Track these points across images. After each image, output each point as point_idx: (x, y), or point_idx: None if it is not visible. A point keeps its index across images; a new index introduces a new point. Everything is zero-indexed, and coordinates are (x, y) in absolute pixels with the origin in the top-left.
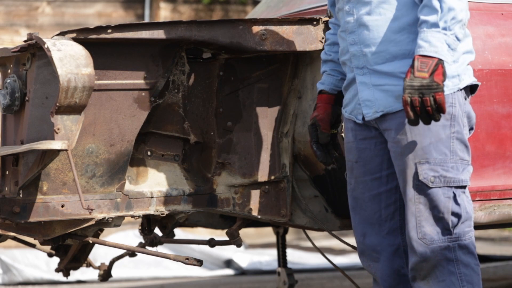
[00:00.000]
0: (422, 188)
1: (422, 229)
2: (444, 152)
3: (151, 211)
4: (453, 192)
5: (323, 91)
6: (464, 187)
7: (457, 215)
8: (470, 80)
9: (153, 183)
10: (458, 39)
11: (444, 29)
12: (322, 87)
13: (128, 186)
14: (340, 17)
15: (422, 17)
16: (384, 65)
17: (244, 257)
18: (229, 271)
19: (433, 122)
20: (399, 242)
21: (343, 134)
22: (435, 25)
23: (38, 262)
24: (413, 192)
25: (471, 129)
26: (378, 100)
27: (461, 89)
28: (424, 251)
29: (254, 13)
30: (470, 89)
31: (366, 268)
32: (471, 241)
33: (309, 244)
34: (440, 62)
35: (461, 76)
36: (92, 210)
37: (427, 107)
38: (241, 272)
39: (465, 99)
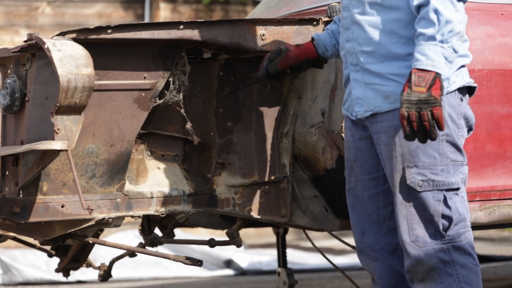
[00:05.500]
0: (411, 192)
1: (414, 232)
2: (432, 156)
3: (151, 211)
4: (444, 195)
5: (313, 38)
6: (456, 189)
7: (448, 218)
8: (463, 81)
9: (153, 183)
10: (455, 51)
11: (441, 42)
12: (315, 36)
13: (128, 186)
14: (341, 11)
15: (419, 30)
16: (374, 65)
17: (244, 257)
18: (229, 271)
19: None
20: (398, 241)
21: (343, 135)
22: (432, 38)
23: (38, 262)
24: (404, 196)
25: (470, 129)
26: (368, 98)
27: (451, 92)
28: (417, 253)
29: (254, 13)
30: (469, 90)
31: (364, 266)
32: (467, 241)
33: (309, 244)
34: (437, 76)
35: (451, 79)
36: (92, 210)
37: (424, 122)
38: (241, 272)
39: (461, 100)
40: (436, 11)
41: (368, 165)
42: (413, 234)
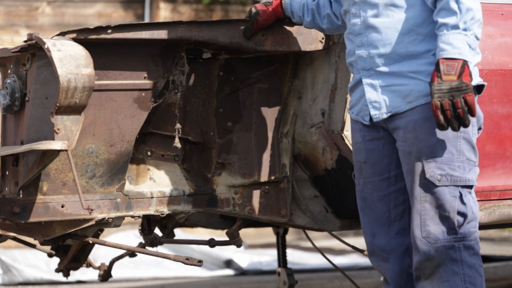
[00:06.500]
0: (428, 186)
1: (427, 228)
2: (451, 151)
3: (151, 211)
4: (460, 192)
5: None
6: (471, 187)
7: (463, 215)
8: (478, 80)
9: (153, 183)
10: (477, 38)
11: (465, 30)
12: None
13: (128, 186)
14: (346, 19)
15: (441, 20)
16: (393, 65)
17: (244, 257)
18: (229, 271)
19: None
20: (409, 242)
21: (343, 135)
22: (455, 27)
23: (38, 262)
24: (420, 191)
25: (479, 129)
26: (386, 101)
27: None
28: (427, 250)
29: None
30: (477, 90)
31: (376, 268)
32: (476, 241)
33: (309, 244)
34: (465, 63)
35: None
36: (92, 210)
37: (457, 109)
38: (241, 272)
39: None
40: (457, 0)
41: (380, 166)
42: (425, 230)
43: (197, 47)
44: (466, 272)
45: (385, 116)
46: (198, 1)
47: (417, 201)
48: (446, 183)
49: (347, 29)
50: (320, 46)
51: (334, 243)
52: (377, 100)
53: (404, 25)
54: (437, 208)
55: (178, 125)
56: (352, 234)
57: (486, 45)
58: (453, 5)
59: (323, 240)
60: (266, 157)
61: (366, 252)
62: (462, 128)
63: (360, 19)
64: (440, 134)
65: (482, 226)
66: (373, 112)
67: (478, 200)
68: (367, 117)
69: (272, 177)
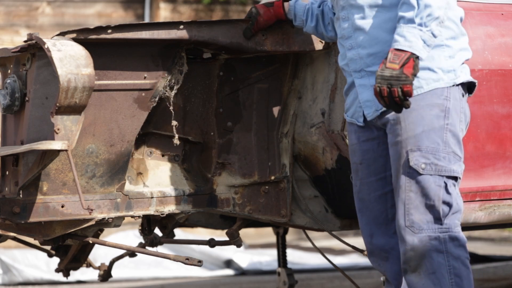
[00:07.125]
0: (413, 175)
1: (410, 217)
2: (436, 141)
3: (151, 211)
4: (444, 182)
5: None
6: (455, 178)
7: (448, 204)
8: (467, 77)
9: (153, 183)
10: (434, 36)
11: (420, 25)
12: (292, 2)
13: (128, 186)
14: (337, 26)
15: (400, 13)
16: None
17: (244, 257)
18: (229, 271)
19: (427, 111)
20: None
21: (343, 135)
22: (411, 21)
23: (38, 262)
24: (404, 180)
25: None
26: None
27: (457, 85)
28: (411, 239)
29: None
30: (468, 89)
31: (376, 267)
32: (460, 234)
33: (309, 244)
34: (412, 56)
35: (457, 72)
36: (92, 210)
37: (395, 98)
38: (241, 272)
39: (462, 96)
40: None
41: (376, 165)
42: (409, 219)
43: (197, 47)
44: (452, 263)
45: (377, 113)
46: (198, 1)
47: (402, 191)
48: (431, 172)
49: (338, 34)
50: (320, 46)
51: (334, 243)
52: (369, 99)
53: (390, 24)
54: (422, 197)
55: (174, 122)
56: (352, 234)
57: (486, 45)
58: (413, 0)
59: (323, 240)
60: (266, 157)
61: (366, 252)
62: (448, 121)
63: (349, 23)
64: (426, 125)
65: (482, 226)
66: (366, 111)
67: (478, 200)
68: (360, 118)
69: (272, 177)
